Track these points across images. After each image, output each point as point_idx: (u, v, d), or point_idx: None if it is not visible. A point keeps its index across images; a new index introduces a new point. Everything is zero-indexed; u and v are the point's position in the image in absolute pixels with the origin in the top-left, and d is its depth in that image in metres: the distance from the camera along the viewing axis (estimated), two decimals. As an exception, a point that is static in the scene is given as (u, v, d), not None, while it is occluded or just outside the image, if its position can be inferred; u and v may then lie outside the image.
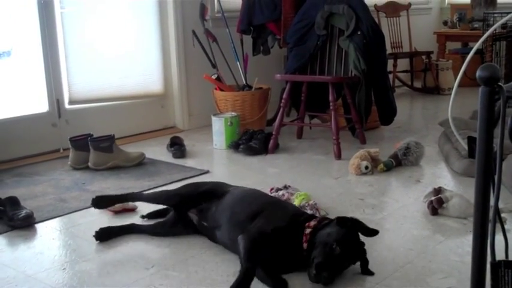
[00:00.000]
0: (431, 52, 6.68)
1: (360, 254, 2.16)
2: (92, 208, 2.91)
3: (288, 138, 4.45)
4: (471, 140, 2.16)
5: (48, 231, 2.74)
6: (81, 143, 3.77)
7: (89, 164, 3.75)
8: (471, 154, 2.44)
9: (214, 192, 2.56)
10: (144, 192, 2.76)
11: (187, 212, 2.57)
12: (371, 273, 2.14)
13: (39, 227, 2.79)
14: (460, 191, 3.01)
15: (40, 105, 4.17)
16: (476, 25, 6.69)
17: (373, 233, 2.20)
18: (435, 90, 6.56)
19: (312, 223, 2.20)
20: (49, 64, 4.13)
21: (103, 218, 2.84)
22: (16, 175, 3.67)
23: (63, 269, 2.31)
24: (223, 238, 2.38)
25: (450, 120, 1.93)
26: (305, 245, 2.14)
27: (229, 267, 2.24)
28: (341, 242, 2.06)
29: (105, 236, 2.58)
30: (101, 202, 2.77)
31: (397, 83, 6.64)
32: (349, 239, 2.11)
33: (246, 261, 2.05)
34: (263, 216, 2.28)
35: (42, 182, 3.50)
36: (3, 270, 2.30)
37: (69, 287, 2.15)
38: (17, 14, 3.99)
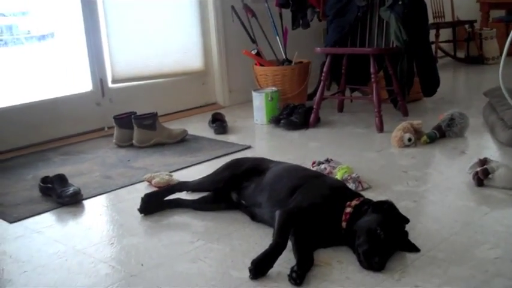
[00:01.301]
0: (475, 21, 6.52)
1: (402, 237, 2.13)
2: (138, 184, 2.98)
3: (329, 112, 4.42)
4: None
5: (96, 207, 2.81)
6: (125, 121, 3.83)
7: (133, 141, 3.81)
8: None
9: (255, 170, 2.56)
10: (189, 182, 2.77)
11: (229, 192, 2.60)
12: (417, 250, 2.11)
13: (87, 203, 2.86)
14: (506, 161, 2.96)
15: (84, 84, 4.24)
16: (522, -9, 6.50)
17: (404, 220, 2.14)
18: (479, 60, 6.42)
19: (354, 202, 2.17)
20: (92, 44, 4.20)
21: (148, 194, 2.89)
22: (63, 153, 3.75)
23: (111, 243, 2.37)
24: (264, 216, 2.39)
25: (502, 86, 1.88)
26: (344, 224, 2.13)
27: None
28: (383, 226, 2.03)
29: (147, 206, 2.62)
30: (150, 201, 2.64)
31: (439, 53, 6.52)
32: (390, 223, 2.08)
33: (277, 235, 2.06)
34: (301, 192, 2.28)
35: (88, 160, 3.58)
36: (54, 245, 2.37)
37: (117, 261, 2.20)
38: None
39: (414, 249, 2.10)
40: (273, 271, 1.99)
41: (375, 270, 1.97)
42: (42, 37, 4.23)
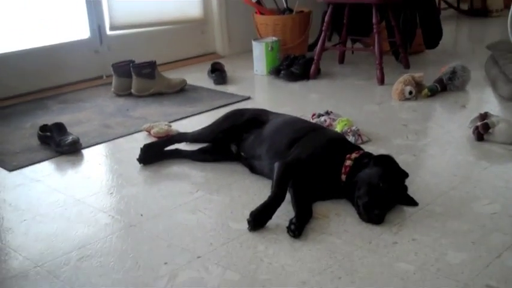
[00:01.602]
0: (480, -28, 6.39)
1: (402, 191, 2.13)
2: (137, 134, 2.97)
3: (330, 63, 4.38)
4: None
5: (95, 157, 2.81)
6: (124, 69, 3.79)
7: (132, 90, 3.78)
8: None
9: (255, 121, 2.55)
10: (189, 132, 2.75)
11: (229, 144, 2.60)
12: (415, 203, 2.12)
13: (86, 152, 2.86)
14: (507, 116, 2.95)
15: (82, 31, 4.18)
16: None
17: (404, 175, 2.14)
18: (483, 12, 6.31)
19: (354, 155, 2.17)
20: (89, -10, 4.12)
21: (147, 144, 2.89)
22: (61, 102, 3.73)
23: (111, 193, 2.37)
24: (263, 169, 2.38)
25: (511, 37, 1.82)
26: (343, 177, 2.13)
27: (272, 192, 2.26)
28: (385, 179, 2.04)
29: (146, 157, 2.62)
30: (149, 152, 2.64)
31: (442, 5, 6.40)
32: (391, 176, 2.08)
33: (275, 187, 2.07)
34: (300, 144, 2.27)
35: (86, 109, 3.56)
36: (53, 194, 2.38)
37: (116, 210, 2.21)
38: None
39: (413, 203, 2.11)
40: (271, 223, 2.01)
41: (374, 223, 1.98)
42: (39, -18, 4.14)
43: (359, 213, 2.02)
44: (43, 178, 2.55)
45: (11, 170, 2.65)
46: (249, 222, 1.99)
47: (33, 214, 2.21)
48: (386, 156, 2.16)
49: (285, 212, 2.06)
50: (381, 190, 2.01)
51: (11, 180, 2.55)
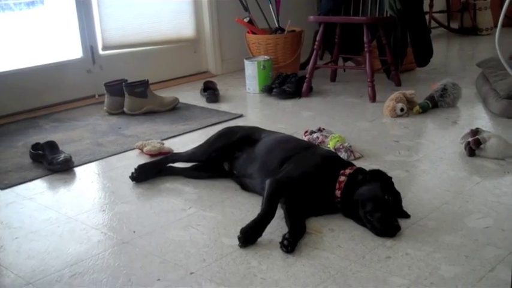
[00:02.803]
0: (469, -9, 6.47)
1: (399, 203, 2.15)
2: (129, 152, 2.96)
3: (322, 81, 4.40)
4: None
5: (87, 175, 2.80)
6: (116, 88, 3.80)
7: (124, 109, 3.78)
8: None
9: (247, 139, 2.55)
10: (182, 153, 2.75)
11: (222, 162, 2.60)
12: (407, 216, 2.13)
13: (78, 170, 2.85)
14: (498, 132, 2.97)
15: (75, 51, 4.19)
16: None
17: (396, 194, 2.14)
18: (472, 30, 6.38)
19: (348, 171, 2.17)
20: (82, 10, 4.14)
21: (140, 162, 2.87)
22: (53, 121, 3.73)
23: (103, 210, 2.36)
24: (255, 187, 2.38)
25: (500, 55, 1.86)
26: (338, 193, 2.13)
27: (265, 208, 2.26)
28: (388, 191, 2.06)
29: (141, 177, 2.62)
30: (143, 172, 2.64)
31: (433, 23, 6.48)
32: (391, 188, 2.12)
33: (265, 204, 2.07)
34: (292, 161, 2.27)
35: (79, 127, 3.55)
36: (46, 212, 2.37)
37: (109, 227, 2.20)
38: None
39: (405, 215, 2.12)
40: (264, 239, 2.00)
41: (391, 235, 1.98)
42: (32, 3, 4.16)
43: (374, 229, 2.01)
44: (35, 196, 2.54)
45: (3, 188, 2.64)
46: (239, 238, 1.98)
47: (25, 232, 2.19)
48: (379, 170, 2.17)
49: (278, 228, 2.06)
50: (388, 202, 2.03)
51: (3, 198, 2.54)
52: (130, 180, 2.61)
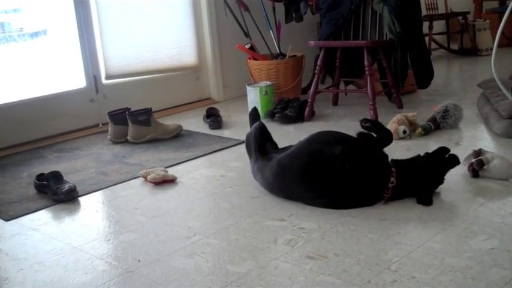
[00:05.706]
0: (468, 12, 6.53)
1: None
2: (133, 180, 2.97)
3: (324, 105, 4.42)
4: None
5: (92, 204, 2.80)
6: (120, 117, 3.82)
7: (128, 137, 3.80)
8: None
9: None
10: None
11: None
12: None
13: (83, 200, 2.86)
14: (501, 152, 2.97)
15: (78, 81, 4.23)
16: (514, -18, 6.50)
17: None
18: (472, 51, 6.42)
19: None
20: (85, 40, 4.19)
21: (144, 190, 2.90)
22: (57, 151, 3.75)
23: (108, 240, 2.36)
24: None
25: (495, 76, 1.87)
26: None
27: (269, 235, 2.26)
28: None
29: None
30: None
31: (433, 45, 6.52)
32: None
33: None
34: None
35: (83, 157, 3.57)
36: (50, 242, 2.37)
37: (114, 257, 2.20)
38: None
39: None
40: (269, 265, 1.99)
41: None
42: (35, 34, 4.21)
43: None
44: (40, 227, 2.55)
45: (7, 219, 2.65)
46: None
47: (30, 263, 2.19)
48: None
49: (282, 254, 2.05)
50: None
51: (7, 230, 2.54)
52: (134, 209, 2.61)
